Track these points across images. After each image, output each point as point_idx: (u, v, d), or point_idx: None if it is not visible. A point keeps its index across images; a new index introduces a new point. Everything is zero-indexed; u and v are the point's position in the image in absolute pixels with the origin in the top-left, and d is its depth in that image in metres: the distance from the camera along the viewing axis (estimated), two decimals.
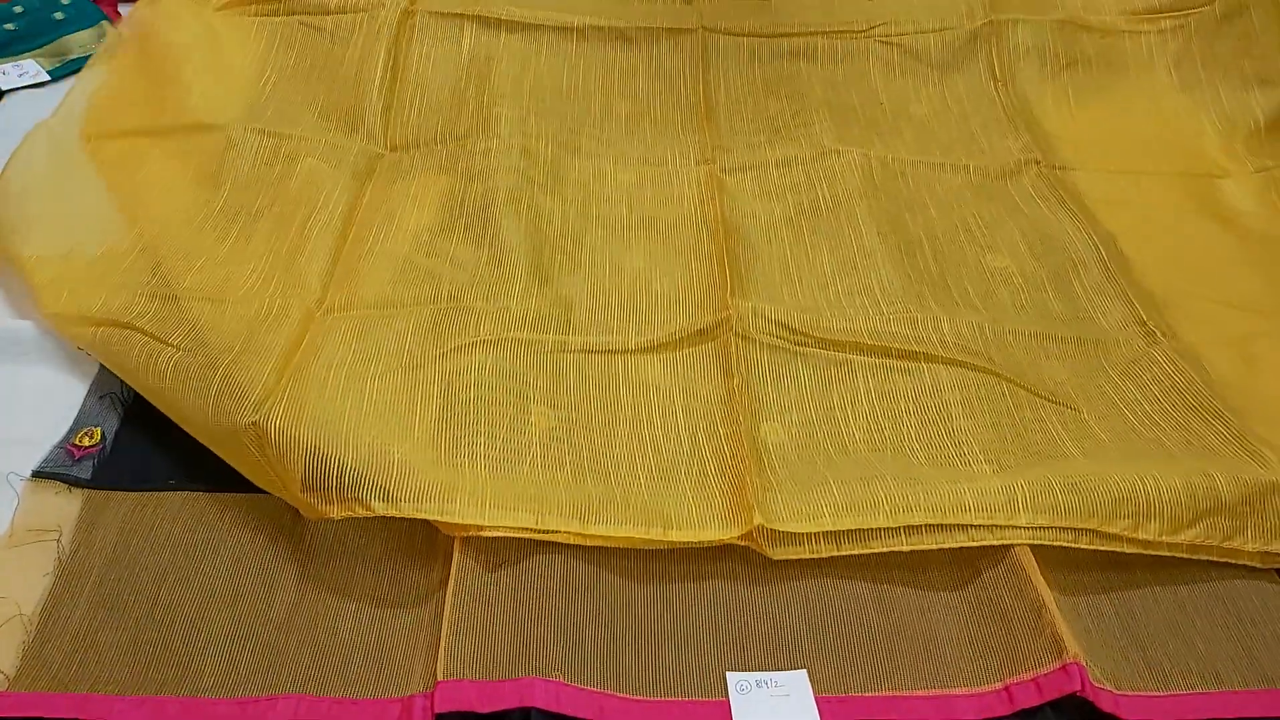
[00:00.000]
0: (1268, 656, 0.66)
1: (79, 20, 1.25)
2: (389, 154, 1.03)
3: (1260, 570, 0.71)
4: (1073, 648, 0.63)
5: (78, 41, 1.23)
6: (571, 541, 0.68)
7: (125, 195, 0.96)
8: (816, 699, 0.63)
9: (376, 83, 1.07)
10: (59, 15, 1.25)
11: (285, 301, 0.83)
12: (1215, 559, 0.70)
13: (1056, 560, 0.70)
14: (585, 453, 0.74)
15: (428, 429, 0.73)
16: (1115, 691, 0.63)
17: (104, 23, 1.25)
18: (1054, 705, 0.62)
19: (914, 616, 0.67)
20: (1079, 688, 0.61)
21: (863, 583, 0.69)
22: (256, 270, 0.87)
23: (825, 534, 0.68)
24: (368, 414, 0.74)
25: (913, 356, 0.81)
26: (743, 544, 0.68)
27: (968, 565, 0.69)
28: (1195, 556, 0.70)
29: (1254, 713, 0.63)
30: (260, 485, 0.73)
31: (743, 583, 0.69)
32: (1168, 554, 0.69)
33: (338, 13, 1.13)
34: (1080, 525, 0.68)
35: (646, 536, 0.68)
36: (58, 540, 0.71)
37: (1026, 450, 0.75)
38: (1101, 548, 0.69)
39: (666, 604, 0.68)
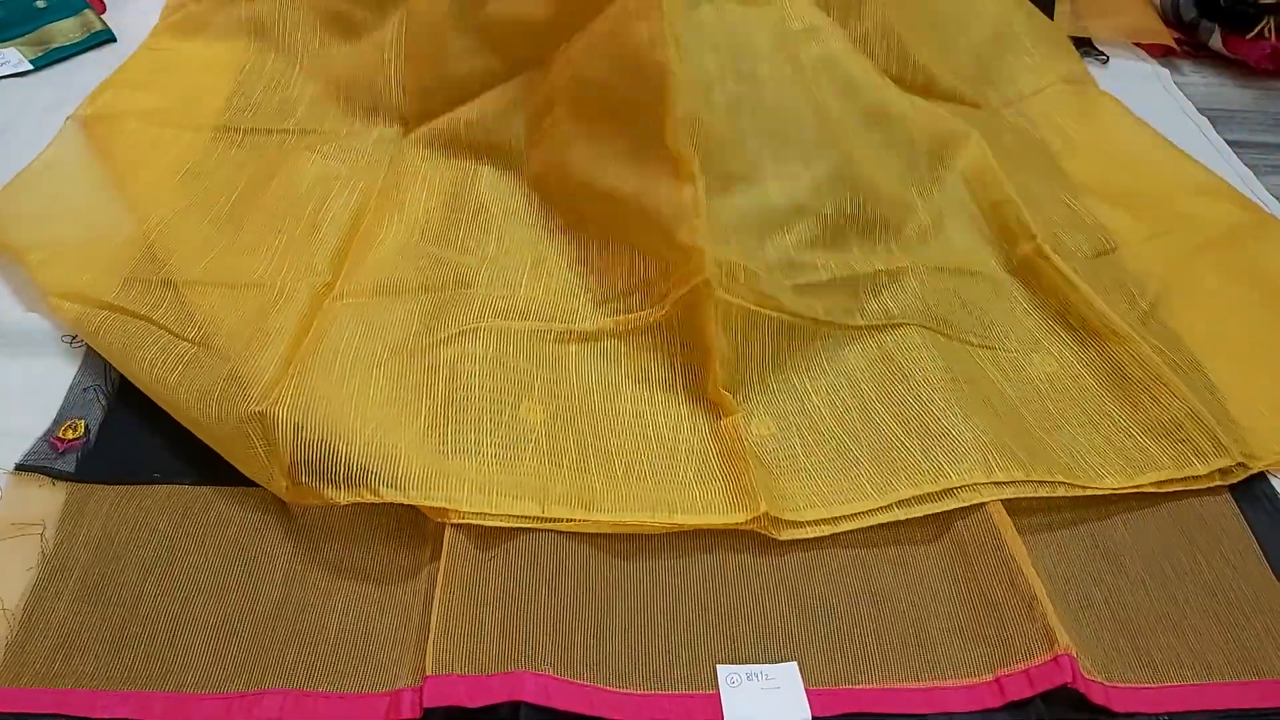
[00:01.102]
0: (1259, 648, 0.66)
1: (61, 9, 1.24)
2: (405, 134, 1.02)
3: (1252, 561, 0.71)
4: (1064, 639, 0.63)
5: (60, 30, 1.22)
6: (576, 529, 0.68)
7: (134, 185, 0.96)
8: (807, 691, 0.62)
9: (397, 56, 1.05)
10: (41, 3, 1.24)
11: (295, 288, 0.83)
12: (1184, 488, 0.75)
13: (1048, 552, 0.70)
14: (589, 439, 0.74)
15: (433, 416, 0.73)
16: (1106, 683, 0.63)
17: (87, 11, 1.24)
18: (1045, 697, 0.62)
19: (905, 608, 0.67)
20: (1070, 679, 0.61)
21: (853, 575, 0.69)
22: (267, 258, 0.87)
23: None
24: (373, 400, 0.74)
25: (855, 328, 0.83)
26: (749, 528, 0.69)
27: (959, 557, 0.69)
28: (1163, 490, 0.75)
29: (1245, 704, 0.63)
30: (250, 476, 0.72)
31: (733, 575, 0.69)
32: (1140, 491, 0.74)
33: None
34: (1051, 479, 0.73)
35: (653, 521, 0.69)
36: (41, 534, 0.70)
37: (984, 400, 0.78)
38: (1079, 494, 0.73)
39: (656, 597, 0.67)
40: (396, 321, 0.81)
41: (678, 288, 0.79)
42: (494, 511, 0.68)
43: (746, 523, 0.69)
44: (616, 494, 0.70)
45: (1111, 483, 0.74)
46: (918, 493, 0.71)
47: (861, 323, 0.83)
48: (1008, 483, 0.71)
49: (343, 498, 0.68)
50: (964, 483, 0.71)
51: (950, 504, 0.71)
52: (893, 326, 0.83)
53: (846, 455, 0.75)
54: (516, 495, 0.68)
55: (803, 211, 0.85)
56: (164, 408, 0.76)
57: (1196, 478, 0.75)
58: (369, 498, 0.67)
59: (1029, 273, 0.90)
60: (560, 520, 0.68)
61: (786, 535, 0.69)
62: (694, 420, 0.77)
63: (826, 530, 0.70)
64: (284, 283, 0.84)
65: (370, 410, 0.72)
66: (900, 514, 0.71)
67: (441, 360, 0.77)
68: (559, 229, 0.90)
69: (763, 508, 0.68)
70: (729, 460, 0.73)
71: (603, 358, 0.81)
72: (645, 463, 0.74)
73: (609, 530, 0.69)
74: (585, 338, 0.82)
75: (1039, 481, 0.72)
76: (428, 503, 0.68)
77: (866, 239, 0.88)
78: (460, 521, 0.68)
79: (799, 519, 0.70)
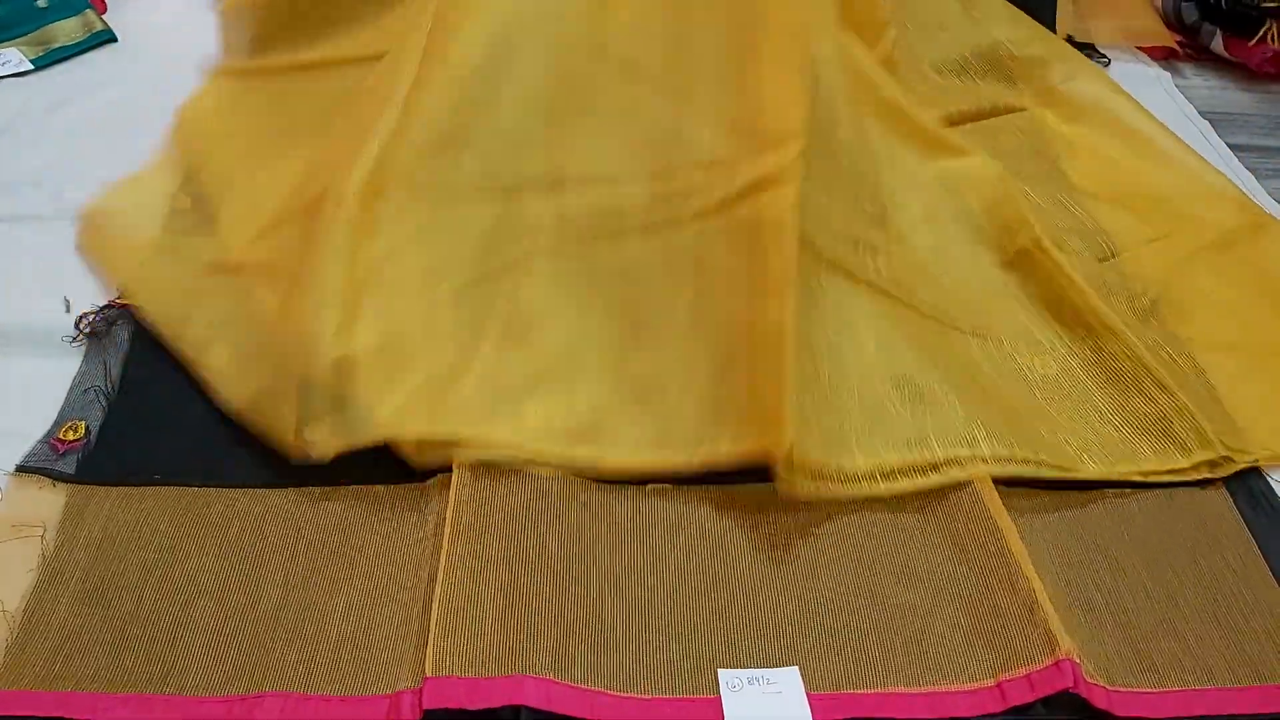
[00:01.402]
0: (1259, 652, 0.66)
1: (63, 8, 1.24)
2: None
3: (1252, 564, 0.71)
4: (1066, 643, 0.63)
5: (62, 30, 1.22)
6: (599, 473, 0.72)
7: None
8: (809, 696, 0.62)
9: None
10: (42, 3, 1.24)
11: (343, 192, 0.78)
12: (1172, 479, 0.76)
13: (1050, 555, 0.70)
14: (649, 357, 0.77)
15: (491, 349, 0.76)
16: (1108, 688, 0.63)
17: (88, 11, 1.24)
18: (1046, 701, 0.62)
19: (906, 613, 0.67)
20: (1072, 684, 0.61)
21: (855, 579, 0.69)
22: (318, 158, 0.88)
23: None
24: (432, 334, 0.76)
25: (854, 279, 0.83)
26: (763, 461, 0.70)
27: (960, 560, 0.69)
28: (1149, 480, 0.76)
29: (1246, 709, 0.63)
30: (274, 431, 0.73)
31: (734, 580, 0.69)
32: (1130, 482, 0.76)
33: None
34: (1035, 459, 0.74)
35: (674, 461, 0.72)
36: (42, 536, 0.70)
37: (971, 379, 0.79)
38: (1061, 477, 0.74)
39: (657, 601, 0.67)
40: (452, 247, 0.79)
41: (754, 167, 0.78)
42: (530, 444, 0.72)
43: (769, 452, 0.69)
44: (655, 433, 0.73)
45: (1094, 469, 0.75)
46: (901, 462, 0.72)
47: (858, 274, 0.83)
48: (993, 459, 0.73)
49: (385, 433, 0.71)
50: (950, 455, 0.72)
51: (936, 480, 0.72)
52: (884, 295, 0.83)
53: (836, 403, 0.75)
54: (559, 437, 0.72)
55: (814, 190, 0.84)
56: (202, 365, 0.79)
57: (1181, 470, 0.76)
58: (412, 434, 0.71)
59: (1025, 264, 0.90)
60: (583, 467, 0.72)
61: (800, 485, 0.69)
62: (750, 317, 0.76)
63: (828, 490, 0.70)
64: (337, 184, 0.79)
65: (430, 344, 0.75)
66: (883, 488, 0.71)
67: (499, 294, 0.79)
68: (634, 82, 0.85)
69: (788, 440, 0.67)
70: (768, 357, 0.72)
71: (664, 251, 0.80)
72: (696, 382, 0.75)
73: (629, 469, 0.72)
74: (646, 230, 0.81)
75: (1023, 461, 0.73)
76: (467, 440, 0.71)
77: (862, 221, 0.87)
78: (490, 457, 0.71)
79: (805, 459, 0.69)
